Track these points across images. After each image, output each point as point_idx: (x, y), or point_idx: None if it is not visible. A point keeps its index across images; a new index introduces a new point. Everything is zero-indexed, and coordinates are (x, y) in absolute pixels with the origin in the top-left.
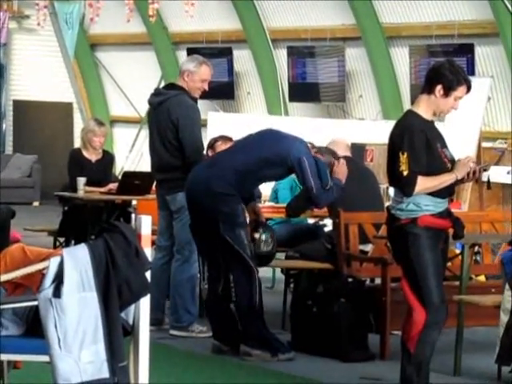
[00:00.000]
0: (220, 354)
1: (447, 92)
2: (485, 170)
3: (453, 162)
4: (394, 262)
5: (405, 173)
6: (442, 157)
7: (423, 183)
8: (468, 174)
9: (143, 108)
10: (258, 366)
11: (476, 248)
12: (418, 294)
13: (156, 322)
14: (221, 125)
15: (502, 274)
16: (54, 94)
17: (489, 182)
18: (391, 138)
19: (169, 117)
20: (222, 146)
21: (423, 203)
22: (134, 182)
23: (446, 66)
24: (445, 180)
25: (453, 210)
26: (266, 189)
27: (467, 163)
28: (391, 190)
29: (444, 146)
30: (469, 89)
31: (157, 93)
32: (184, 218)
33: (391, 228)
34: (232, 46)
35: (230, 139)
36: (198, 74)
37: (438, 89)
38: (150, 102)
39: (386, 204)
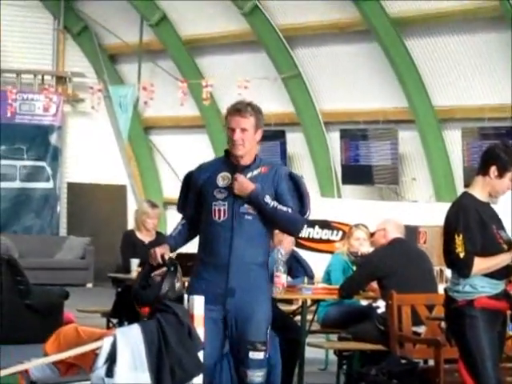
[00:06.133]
0: None
1: (502, 173)
2: None
3: (509, 243)
4: (447, 344)
5: (461, 255)
6: (496, 238)
7: (479, 264)
8: None
9: None
10: None
11: None
12: (474, 376)
13: None
14: None
15: None
16: (107, 176)
17: None
18: (447, 219)
19: None
20: None
21: (480, 285)
22: (187, 264)
23: (500, 147)
24: (501, 260)
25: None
26: (318, 270)
27: None
28: (447, 272)
29: (500, 227)
30: None
31: None
32: None
33: (448, 310)
34: (285, 128)
35: None
36: None
37: (493, 170)
38: None
39: (440, 286)
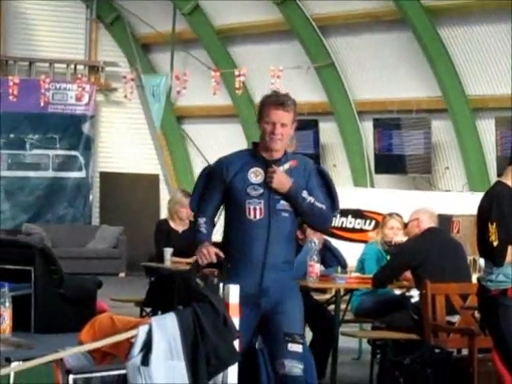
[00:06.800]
0: None
1: None
2: None
3: None
4: (481, 333)
5: (495, 243)
6: None
7: None
8: None
9: None
10: None
11: None
12: (508, 364)
13: None
14: None
15: None
16: (140, 165)
17: None
18: (480, 208)
19: None
20: None
21: None
22: None
23: None
24: None
25: None
26: (351, 259)
27: None
28: (480, 261)
29: None
30: None
31: None
32: None
33: (481, 299)
34: (318, 118)
35: None
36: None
37: None
38: None
39: (473, 275)
